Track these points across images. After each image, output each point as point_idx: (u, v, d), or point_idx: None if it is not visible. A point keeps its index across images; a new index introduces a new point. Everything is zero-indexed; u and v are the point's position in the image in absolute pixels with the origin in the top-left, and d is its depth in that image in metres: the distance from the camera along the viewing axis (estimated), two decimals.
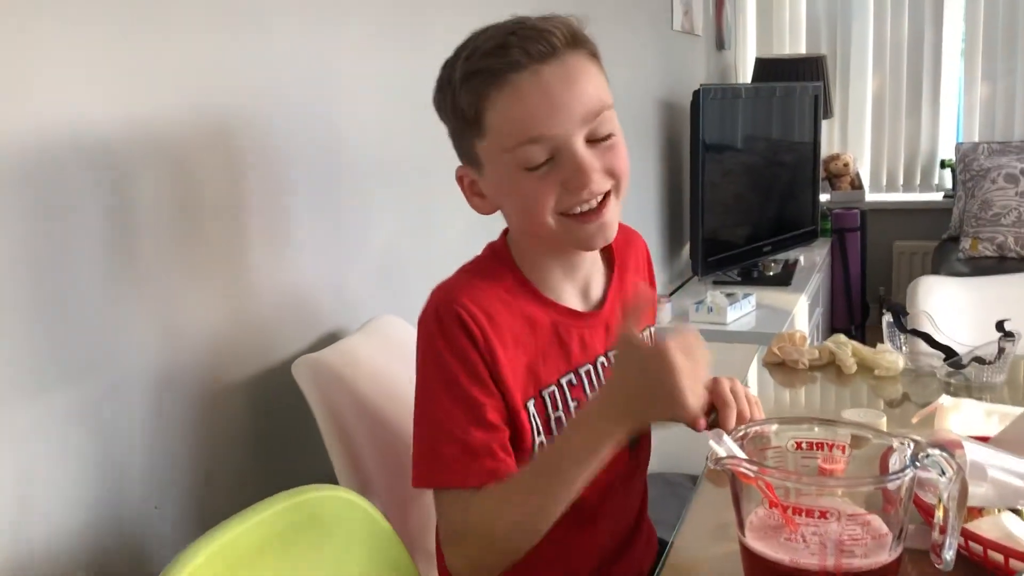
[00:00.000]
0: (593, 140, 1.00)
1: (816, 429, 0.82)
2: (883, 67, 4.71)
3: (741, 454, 0.74)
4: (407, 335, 1.52)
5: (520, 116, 0.98)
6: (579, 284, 1.14)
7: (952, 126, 4.72)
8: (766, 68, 4.46)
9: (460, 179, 1.10)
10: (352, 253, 1.57)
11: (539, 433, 1.07)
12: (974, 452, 0.85)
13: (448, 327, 1.01)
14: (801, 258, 4.08)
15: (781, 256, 3.87)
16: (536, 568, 1.11)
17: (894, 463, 0.76)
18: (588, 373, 1.12)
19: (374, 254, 1.63)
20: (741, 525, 0.75)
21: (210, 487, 1.25)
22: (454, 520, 1.02)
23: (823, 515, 0.70)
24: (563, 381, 1.10)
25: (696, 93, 3.21)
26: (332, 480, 1.24)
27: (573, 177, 0.98)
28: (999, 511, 0.84)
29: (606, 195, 1.02)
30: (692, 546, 1.00)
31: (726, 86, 4.28)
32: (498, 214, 1.11)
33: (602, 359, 1.14)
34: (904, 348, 1.48)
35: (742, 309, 3.06)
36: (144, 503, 1.15)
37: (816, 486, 0.72)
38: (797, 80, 4.09)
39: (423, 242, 1.79)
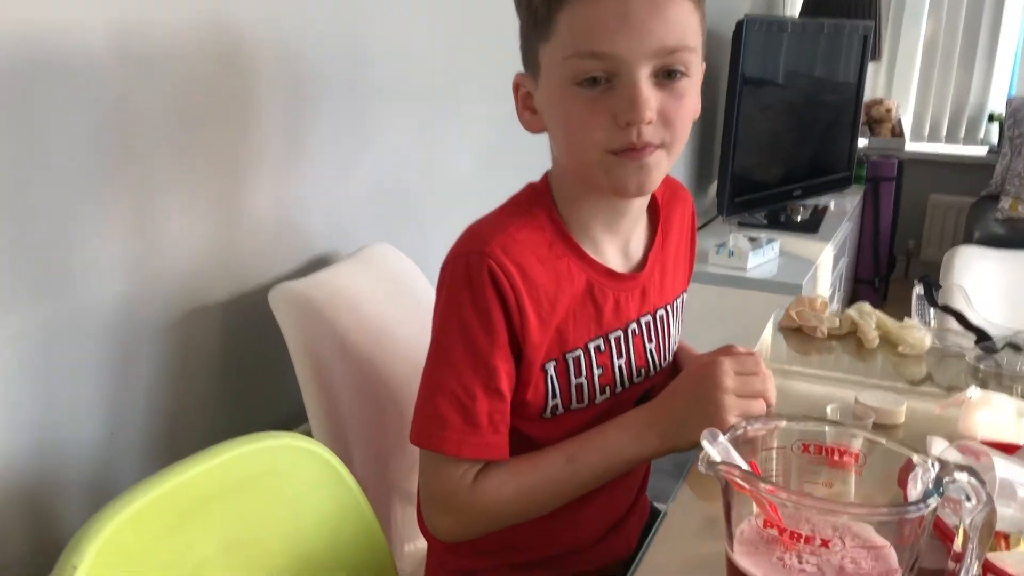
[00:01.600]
0: (661, 78, 0.90)
1: (827, 430, 0.72)
2: (940, 11, 4.46)
3: (738, 458, 0.65)
4: (401, 267, 1.42)
5: (588, 24, 0.87)
6: (620, 240, 1.05)
7: (1006, 79, 4.49)
8: (816, 1, 4.23)
9: (516, 87, 1.00)
10: (351, 175, 1.46)
11: (555, 396, 1.01)
12: (1003, 469, 0.75)
13: (477, 282, 0.94)
14: (832, 204, 3.93)
15: (811, 201, 3.73)
16: (524, 538, 1.05)
17: (913, 484, 0.66)
18: (618, 340, 1.04)
19: (375, 178, 1.52)
20: (730, 536, 0.66)
21: (176, 418, 1.17)
22: (441, 486, 0.98)
23: (825, 544, 0.61)
24: (591, 346, 1.02)
25: (739, 24, 3.04)
26: (307, 420, 1.17)
27: (625, 108, 0.88)
28: None
29: (656, 147, 0.92)
30: (685, 517, 0.94)
31: (771, 18, 4.06)
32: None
33: (633, 326, 1.06)
34: (933, 323, 1.37)
35: (764, 255, 2.94)
36: (100, 430, 1.07)
37: (823, 511, 0.63)
38: (848, 17, 3.86)
39: (430, 171, 1.68)
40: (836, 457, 0.72)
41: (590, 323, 1.02)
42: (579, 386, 1.02)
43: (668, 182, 1.16)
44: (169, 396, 1.16)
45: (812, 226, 3.47)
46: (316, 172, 1.37)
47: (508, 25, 0.99)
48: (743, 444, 0.71)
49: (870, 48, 3.79)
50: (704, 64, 0.99)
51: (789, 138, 3.60)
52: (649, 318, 1.08)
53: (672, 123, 0.91)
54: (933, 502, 0.62)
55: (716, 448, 0.65)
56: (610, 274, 1.03)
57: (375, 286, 1.34)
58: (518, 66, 0.98)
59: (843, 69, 3.79)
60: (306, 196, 1.36)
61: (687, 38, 0.90)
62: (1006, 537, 0.75)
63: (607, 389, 1.04)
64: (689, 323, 1.16)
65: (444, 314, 0.97)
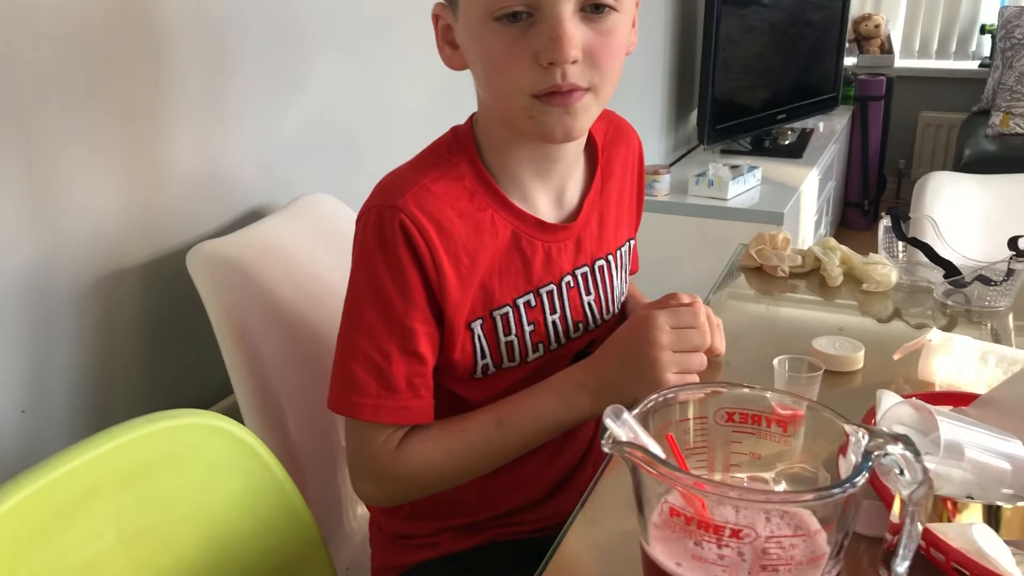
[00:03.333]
0: (588, 12, 0.83)
1: (748, 394, 0.66)
2: None
3: (645, 437, 0.58)
4: (341, 217, 1.35)
5: None
6: (553, 187, 0.98)
7: None
8: None
9: (435, 19, 0.92)
10: (283, 121, 1.37)
11: (484, 356, 0.95)
12: (949, 431, 0.69)
13: (389, 238, 0.88)
14: (821, 125, 3.83)
15: (798, 125, 3.63)
16: (465, 499, 1.01)
17: (847, 456, 0.60)
18: (551, 294, 0.98)
19: (311, 123, 1.43)
20: (643, 523, 0.60)
21: (96, 392, 1.11)
22: (363, 452, 0.93)
23: (735, 534, 0.55)
24: (519, 302, 0.96)
25: None
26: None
27: (547, 46, 0.80)
28: (973, 505, 0.68)
29: (584, 91, 0.85)
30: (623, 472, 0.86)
31: None
32: (468, 86, 0.93)
33: (568, 278, 0.99)
34: (902, 257, 1.30)
35: (746, 183, 2.86)
36: (10, 407, 1.01)
37: (742, 500, 0.56)
38: None
39: (372, 112, 1.59)
40: (765, 425, 0.65)
41: (518, 278, 0.96)
42: (509, 344, 0.96)
43: (612, 120, 1.09)
44: (87, 369, 1.09)
45: (796, 151, 3.38)
46: (243, 120, 1.28)
47: None
48: (661, 411, 0.65)
49: None
50: None
51: (773, 60, 3.48)
52: (586, 269, 1.01)
53: (599, 63, 0.84)
54: (860, 480, 0.56)
55: (621, 426, 0.58)
56: (539, 224, 0.96)
57: (311, 240, 1.27)
58: None
59: None
60: (234, 146, 1.27)
61: None
62: (954, 503, 0.69)
63: (540, 346, 0.98)
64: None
65: (356, 273, 0.91)
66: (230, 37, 1.24)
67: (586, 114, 0.87)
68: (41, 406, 1.04)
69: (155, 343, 1.18)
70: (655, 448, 0.59)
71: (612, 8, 0.83)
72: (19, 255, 0.99)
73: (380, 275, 0.88)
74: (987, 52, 4.29)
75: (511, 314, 0.95)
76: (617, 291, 1.06)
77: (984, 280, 1.16)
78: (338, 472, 1.24)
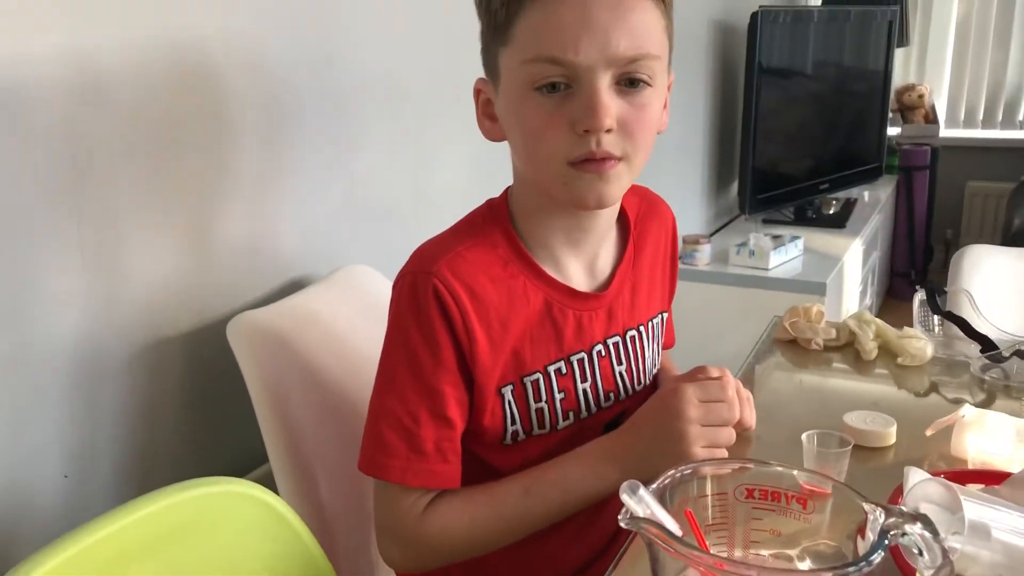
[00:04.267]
0: (623, 87, 0.87)
1: (765, 471, 0.66)
2: None
3: (661, 513, 0.59)
4: (380, 289, 1.37)
5: (547, 29, 0.84)
6: (585, 257, 1.01)
7: None
8: None
9: (476, 93, 0.97)
10: (327, 194, 1.41)
11: (514, 422, 0.97)
12: (973, 511, 0.68)
13: (422, 302, 0.91)
14: (866, 195, 3.82)
15: (842, 194, 3.62)
16: (496, 567, 1.02)
17: (867, 535, 0.60)
18: (581, 362, 0.99)
19: (355, 195, 1.47)
20: None
21: (138, 457, 1.13)
22: (390, 515, 0.95)
23: None
24: (551, 369, 0.97)
25: (754, 15, 2.95)
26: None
27: (583, 115, 0.84)
28: None
29: (617, 160, 0.88)
30: None
31: (789, 7, 3.98)
32: (509, 159, 0.98)
33: (599, 347, 1.01)
34: (938, 331, 1.29)
35: (787, 253, 2.85)
36: (57, 469, 1.04)
37: None
38: (872, 4, 3.74)
39: (415, 185, 1.63)
40: (785, 503, 0.66)
41: (549, 345, 0.97)
42: (539, 411, 0.97)
43: (646, 196, 1.11)
44: (130, 433, 1.12)
45: (840, 221, 3.37)
46: (290, 192, 1.33)
47: None
48: (680, 487, 0.65)
49: (895, 35, 3.67)
50: (672, 74, 0.95)
51: (815, 130, 3.50)
52: (618, 339, 1.02)
53: (633, 134, 0.87)
54: (876, 558, 0.56)
55: (638, 502, 0.59)
56: (571, 293, 0.98)
57: (349, 311, 1.29)
58: None
59: (871, 57, 3.67)
60: (280, 218, 1.32)
61: (650, 46, 0.86)
62: None
63: (571, 414, 0.99)
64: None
65: (390, 336, 0.94)
66: (280, 112, 1.29)
67: (618, 182, 0.89)
68: (83, 472, 1.07)
69: (196, 412, 1.20)
70: (672, 525, 0.60)
71: (646, 83, 0.87)
72: (67, 321, 1.03)
73: (412, 338, 0.91)
74: None
75: (542, 381, 0.96)
76: (649, 362, 1.07)
77: (1021, 355, 1.14)
78: (370, 540, 1.24)
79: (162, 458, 1.17)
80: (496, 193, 1.02)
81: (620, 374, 1.03)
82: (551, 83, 0.85)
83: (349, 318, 1.28)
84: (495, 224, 0.97)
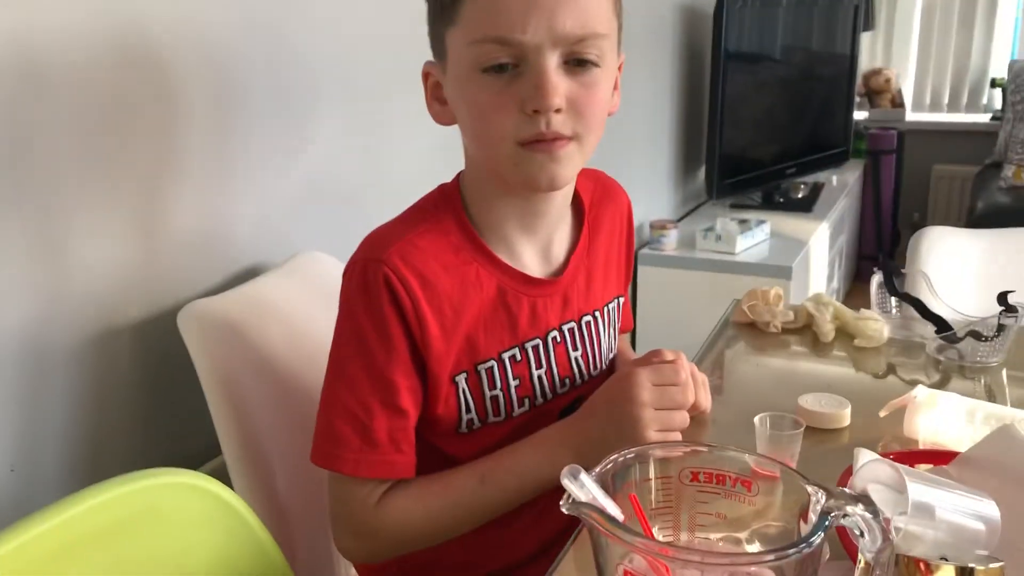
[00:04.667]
0: (571, 66, 0.86)
1: (715, 455, 0.65)
2: None
3: (603, 498, 0.58)
4: (336, 276, 1.35)
5: (493, 9, 0.83)
6: (539, 242, 0.99)
7: (1008, 42, 4.36)
8: None
9: (425, 76, 0.95)
10: (282, 180, 1.39)
11: (469, 410, 0.96)
12: (918, 492, 0.68)
13: (372, 291, 0.89)
14: (834, 179, 3.84)
15: (809, 179, 3.63)
16: (453, 556, 1.02)
17: (809, 516, 0.60)
18: (536, 348, 0.99)
19: (310, 182, 1.45)
20: None
21: (89, 450, 1.12)
22: (344, 507, 0.94)
23: None
24: (505, 356, 0.96)
25: (720, 1, 2.95)
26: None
27: (532, 95, 0.83)
28: (947, 566, 0.67)
29: (568, 140, 0.87)
30: None
31: None
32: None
33: (554, 333, 1.00)
34: (896, 312, 1.29)
35: (754, 238, 2.86)
36: (2, 464, 1.02)
37: (704, 564, 0.56)
38: None
39: (372, 171, 1.61)
40: (730, 485, 0.65)
41: (503, 332, 0.96)
42: (494, 399, 0.97)
43: (600, 179, 1.10)
44: (79, 426, 1.10)
45: (807, 205, 3.38)
46: (242, 178, 1.31)
47: None
48: (624, 471, 0.65)
49: (861, 18, 3.68)
50: (622, 55, 0.94)
51: (782, 114, 3.50)
52: (573, 324, 1.02)
53: (583, 113, 0.86)
54: (816, 539, 0.55)
55: (579, 487, 0.58)
56: (525, 279, 0.97)
57: (305, 298, 1.28)
58: None
59: (838, 42, 3.69)
60: (233, 205, 1.29)
61: (597, 25, 0.85)
62: (927, 565, 0.68)
63: (526, 401, 0.99)
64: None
65: (341, 325, 0.93)
66: (232, 96, 1.27)
67: (570, 162, 0.88)
68: (31, 465, 1.05)
69: (147, 402, 1.19)
70: (614, 510, 0.59)
71: (594, 64, 0.86)
72: (12, 313, 1.00)
73: (364, 328, 0.90)
74: (998, 105, 4.30)
75: (496, 368, 0.96)
76: (605, 347, 1.06)
77: (976, 336, 1.15)
78: (328, 532, 1.22)
79: (112, 451, 1.15)
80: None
81: (576, 360, 1.02)
82: (499, 64, 0.84)
83: (304, 305, 1.27)
84: (447, 210, 0.96)
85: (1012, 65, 3.92)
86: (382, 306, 0.89)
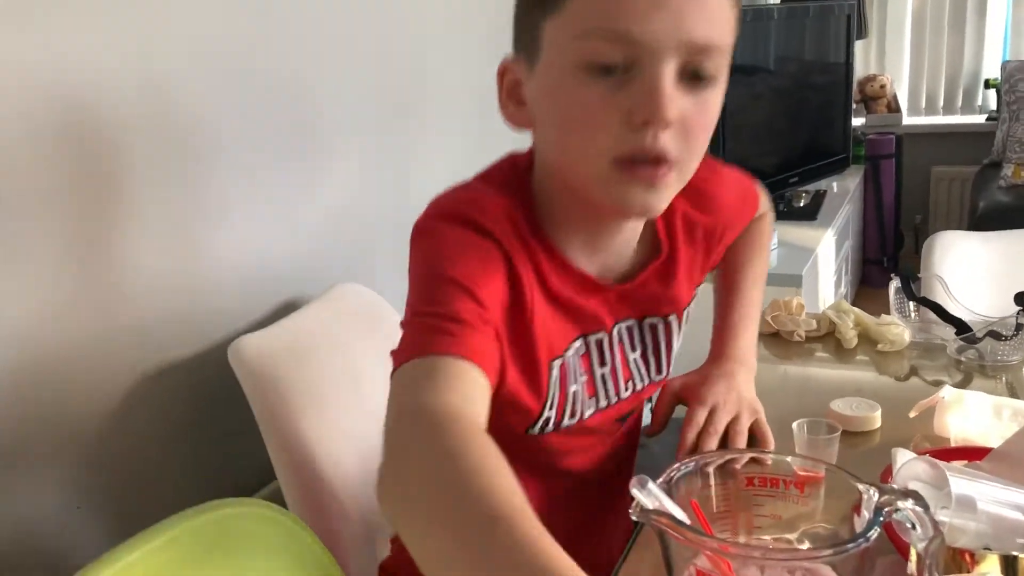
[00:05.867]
0: (687, 79, 0.75)
1: (769, 462, 0.70)
2: None
3: (670, 505, 0.62)
4: (372, 304, 1.41)
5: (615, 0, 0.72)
6: (603, 258, 0.90)
7: (999, 43, 4.42)
8: None
9: (501, 73, 0.84)
10: (312, 211, 1.44)
11: (552, 405, 0.88)
12: (960, 486, 0.72)
13: (471, 231, 0.80)
14: (835, 186, 3.88)
15: (812, 187, 3.68)
16: None
17: (861, 513, 0.64)
18: (600, 343, 0.92)
19: (337, 213, 1.50)
20: None
21: (145, 484, 1.16)
22: (395, 408, 0.69)
23: None
24: (572, 347, 0.90)
25: None
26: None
27: (642, 104, 0.72)
28: (991, 556, 0.71)
29: (671, 165, 0.76)
30: None
31: (747, 7, 4.05)
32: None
33: (617, 328, 0.93)
34: (914, 316, 1.34)
35: None
36: (61, 501, 1.06)
37: (765, 559, 0.60)
38: None
39: (397, 198, 1.66)
40: (783, 488, 0.69)
41: (567, 324, 0.89)
42: (574, 394, 0.90)
43: (699, 190, 0.94)
44: (137, 460, 1.14)
45: (811, 213, 3.42)
46: (274, 216, 1.36)
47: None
48: (685, 479, 0.69)
49: (854, 27, 3.74)
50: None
51: (781, 125, 3.56)
52: (633, 323, 0.95)
53: (691, 135, 0.76)
54: (873, 534, 0.60)
55: (647, 495, 0.62)
56: (587, 282, 0.89)
57: (345, 328, 1.33)
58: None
59: (832, 50, 3.74)
60: (268, 242, 1.35)
61: (723, 36, 0.75)
62: (972, 555, 0.72)
63: (593, 402, 0.93)
64: (695, 326, 1.06)
65: (421, 267, 0.79)
66: (261, 135, 1.32)
67: (668, 192, 0.79)
68: (95, 501, 1.09)
69: (199, 434, 1.23)
70: (680, 515, 0.63)
71: (711, 81, 0.76)
72: (69, 349, 1.05)
73: (445, 248, 0.78)
74: (993, 105, 4.35)
75: (570, 361, 0.89)
76: (671, 352, 1.00)
77: (995, 335, 1.19)
78: (379, 558, 1.27)
79: (171, 483, 1.19)
80: None
81: (634, 360, 0.96)
82: (606, 64, 0.73)
83: (345, 336, 1.31)
84: (516, 191, 0.86)
85: (1005, 66, 3.98)
86: (484, 244, 0.79)
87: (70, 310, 1.05)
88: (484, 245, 0.79)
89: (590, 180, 0.78)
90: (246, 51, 1.29)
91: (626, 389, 0.96)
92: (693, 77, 0.75)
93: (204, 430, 1.24)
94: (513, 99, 0.84)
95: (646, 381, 0.99)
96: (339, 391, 1.23)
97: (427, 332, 0.72)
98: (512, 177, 0.87)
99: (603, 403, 0.94)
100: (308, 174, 1.43)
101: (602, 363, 0.93)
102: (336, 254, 1.50)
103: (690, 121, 0.75)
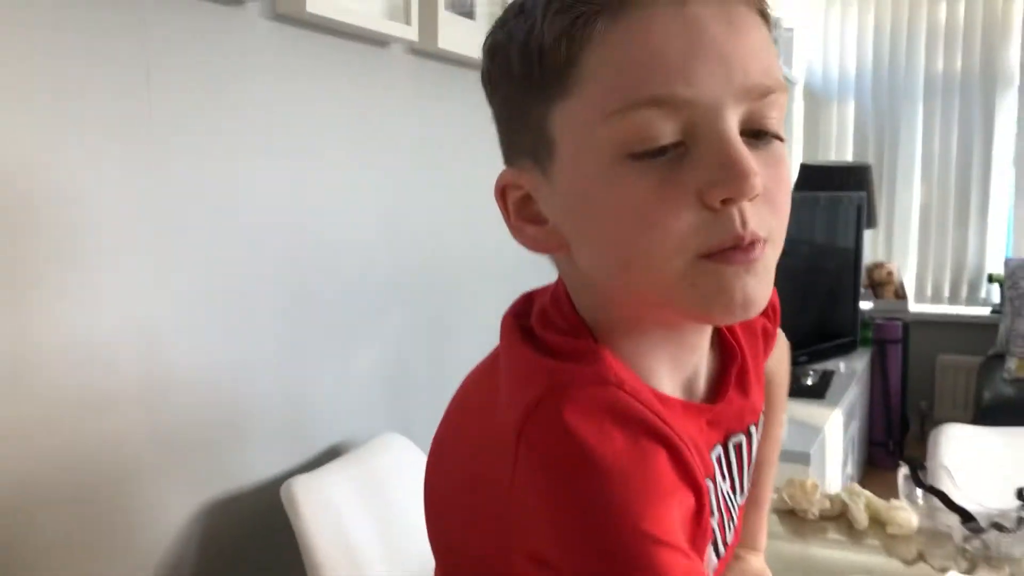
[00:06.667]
0: (750, 134, 0.59)
1: None
2: (931, 177, 4.65)
3: None
4: (413, 459, 1.49)
5: (644, 58, 0.57)
6: (684, 375, 0.72)
7: (1002, 240, 4.63)
8: (811, 174, 4.44)
9: (501, 192, 0.67)
10: (352, 366, 1.55)
11: (712, 514, 0.71)
12: None
13: (622, 423, 0.58)
14: (842, 366, 3.99)
15: (819, 367, 3.79)
16: None
17: None
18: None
19: (375, 364, 1.61)
20: None
21: None
22: None
23: None
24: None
25: None
26: None
27: (717, 177, 0.57)
28: None
29: (764, 244, 0.60)
30: None
31: None
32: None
33: (714, 460, 0.74)
34: (922, 503, 1.42)
35: None
36: None
37: None
38: (841, 189, 4.04)
39: (433, 349, 1.78)
40: None
41: None
42: (712, 539, 0.73)
43: None
44: None
45: (819, 391, 3.51)
46: (313, 367, 1.46)
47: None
48: None
49: (864, 218, 3.95)
50: None
51: (793, 305, 3.64)
52: (719, 450, 0.77)
53: (775, 202, 0.61)
54: None
55: None
56: (690, 410, 0.71)
57: (392, 477, 1.41)
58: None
59: (842, 237, 3.93)
60: (311, 391, 1.45)
61: (779, 77, 0.61)
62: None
63: (713, 555, 0.75)
64: None
65: (591, 518, 0.56)
66: (307, 291, 1.45)
67: (768, 276, 0.61)
68: None
69: (247, 570, 1.30)
70: None
71: (776, 137, 0.61)
72: (119, 476, 1.13)
73: (633, 493, 0.56)
74: (997, 299, 4.51)
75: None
76: (747, 472, 0.82)
77: (999, 527, 1.27)
78: None
79: None
80: None
81: (727, 495, 0.77)
82: (659, 146, 0.57)
83: (388, 483, 1.39)
84: (581, 343, 0.66)
85: (1008, 263, 4.16)
86: (638, 439, 0.58)
87: (127, 443, 1.14)
88: (658, 458, 0.59)
89: (669, 284, 0.59)
90: (304, 211, 1.43)
91: (730, 530, 0.78)
92: (755, 135, 0.60)
93: (251, 567, 1.30)
94: (526, 219, 0.66)
95: (736, 512, 0.80)
96: (384, 537, 1.31)
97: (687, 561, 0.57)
98: (567, 328, 0.66)
99: (720, 549, 0.76)
100: (355, 329, 1.55)
101: (710, 512, 0.70)
102: (376, 405, 1.60)
103: (771, 186, 0.60)
